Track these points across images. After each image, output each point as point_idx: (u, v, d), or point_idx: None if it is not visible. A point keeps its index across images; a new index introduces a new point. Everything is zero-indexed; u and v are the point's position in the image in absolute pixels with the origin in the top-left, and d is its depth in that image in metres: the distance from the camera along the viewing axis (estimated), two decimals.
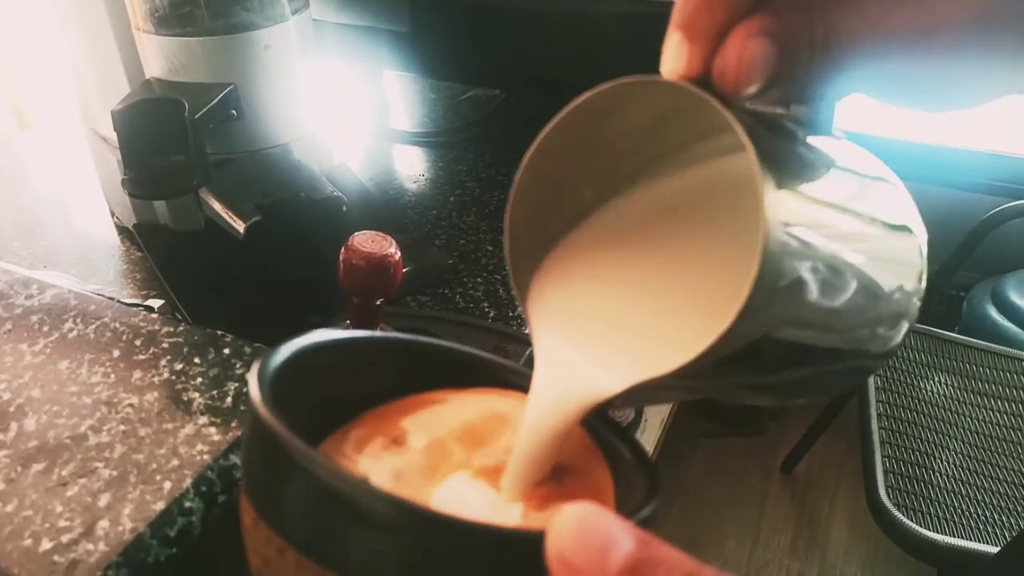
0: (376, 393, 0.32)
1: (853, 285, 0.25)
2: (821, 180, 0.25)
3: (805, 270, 0.23)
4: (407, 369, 0.33)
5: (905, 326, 0.29)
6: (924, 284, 0.29)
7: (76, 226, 0.84)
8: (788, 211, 0.22)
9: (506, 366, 0.34)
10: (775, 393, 0.29)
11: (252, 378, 0.25)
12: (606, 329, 0.28)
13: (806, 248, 0.23)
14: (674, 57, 0.24)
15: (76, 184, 0.91)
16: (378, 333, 0.33)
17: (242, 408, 0.46)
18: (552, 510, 0.27)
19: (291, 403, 0.26)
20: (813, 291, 0.23)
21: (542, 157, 0.28)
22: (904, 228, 0.29)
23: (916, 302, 0.29)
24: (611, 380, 0.26)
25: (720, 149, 0.30)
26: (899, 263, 0.28)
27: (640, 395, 0.26)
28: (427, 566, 0.21)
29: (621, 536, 0.18)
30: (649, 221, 0.30)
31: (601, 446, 0.31)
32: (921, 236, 0.29)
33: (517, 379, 0.34)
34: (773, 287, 0.22)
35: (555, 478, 0.29)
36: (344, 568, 0.22)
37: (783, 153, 0.24)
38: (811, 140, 0.26)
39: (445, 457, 0.30)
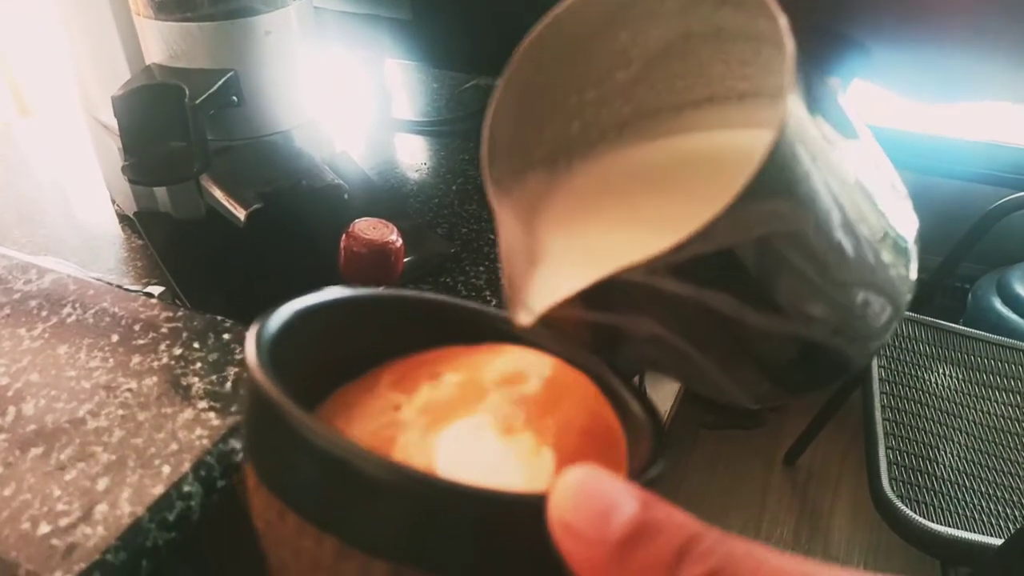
0: (382, 349, 0.32)
1: (853, 229, 0.24)
2: (834, 128, 0.24)
3: (814, 173, 0.22)
4: (413, 325, 0.32)
5: (893, 321, 0.28)
6: (914, 280, 0.29)
7: (77, 214, 0.84)
8: (803, 115, 0.21)
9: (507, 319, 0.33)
10: (751, 364, 0.28)
11: (249, 340, 0.25)
12: (589, 238, 0.28)
13: (818, 147, 0.22)
14: None
15: (77, 172, 0.91)
16: (376, 290, 0.32)
17: (242, 393, 0.46)
18: (567, 448, 0.27)
19: (293, 363, 0.26)
20: (817, 205, 0.22)
21: (541, 50, 0.27)
22: (903, 236, 0.28)
23: (907, 295, 0.28)
24: (588, 272, 0.25)
25: (717, 120, 0.29)
26: (894, 242, 0.27)
27: (617, 301, 0.25)
28: (426, 531, 0.21)
29: (624, 499, 0.18)
30: (636, 178, 0.30)
31: (613, 402, 0.31)
32: (913, 231, 0.29)
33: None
34: (787, 167, 0.21)
35: (574, 424, 0.29)
36: (344, 532, 0.22)
37: (808, 83, 0.23)
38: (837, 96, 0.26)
39: (477, 395, 0.29)
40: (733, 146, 0.29)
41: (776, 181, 0.21)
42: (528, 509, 0.20)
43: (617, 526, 0.18)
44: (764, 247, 0.23)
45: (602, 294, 0.25)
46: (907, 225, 0.28)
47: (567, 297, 0.26)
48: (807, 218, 0.23)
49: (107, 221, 0.82)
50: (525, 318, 0.28)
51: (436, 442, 0.27)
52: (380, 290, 0.33)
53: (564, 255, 0.29)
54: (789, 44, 0.21)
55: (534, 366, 0.31)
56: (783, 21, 0.21)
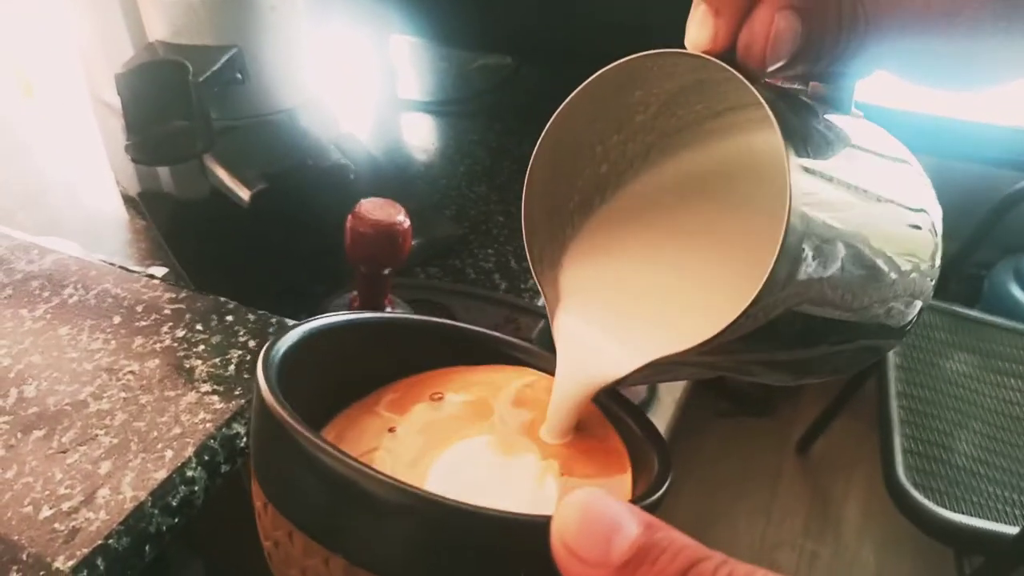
0: (385, 371, 0.33)
1: (870, 264, 0.25)
2: (840, 160, 0.25)
3: (826, 248, 0.23)
4: (419, 347, 0.33)
5: (919, 306, 0.30)
6: (938, 265, 0.30)
7: (81, 195, 0.83)
8: (810, 191, 0.22)
9: (510, 342, 0.34)
10: (789, 371, 0.29)
11: (259, 362, 0.26)
12: (625, 306, 0.29)
13: (827, 227, 0.23)
14: (698, 30, 0.25)
15: (81, 153, 0.90)
16: (386, 313, 0.33)
17: (245, 376, 0.45)
18: (574, 471, 0.28)
19: (301, 383, 0.27)
20: (832, 269, 0.24)
21: (561, 128, 0.28)
22: (920, 210, 0.29)
23: (930, 283, 0.30)
24: (630, 357, 0.27)
25: (736, 125, 0.30)
26: (915, 244, 0.28)
27: (658, 371, 0.27)
28: (431, 550, 0.22)
29: (626, 521, 0.18)
30: (666, 199, 0.31)
31: (616, 426, 0.31)
32: (936, 217, 0.29)
33: (522, 355, 0.34)
34: (795, 265, 0.22)
35: (580, 446, 0.29)
36: (351, 552, 0.22)
37: (805, 132, 0.24)
38: (830, 118, 0.27)
39: (479, 415, 0.30)
40: (752, 150, 0.30)
41: (786, 277, 0.22)
42: (534, 531, 0.20)
43: (619, 549, 0.18)
44: (784, 317, 0.24)
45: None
46: (932, 216, 0.29)
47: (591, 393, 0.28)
48: (822, 283, 0.24)
49: (111, 202, 0.81)
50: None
51: (432, 465, 0.27)
52: (388, 314, 0.34)
53: (582, 298, 0.30)
54: (786, 165, 0.22)
55: (540, 391, 0.32)
56: (772, 118, 0.22)
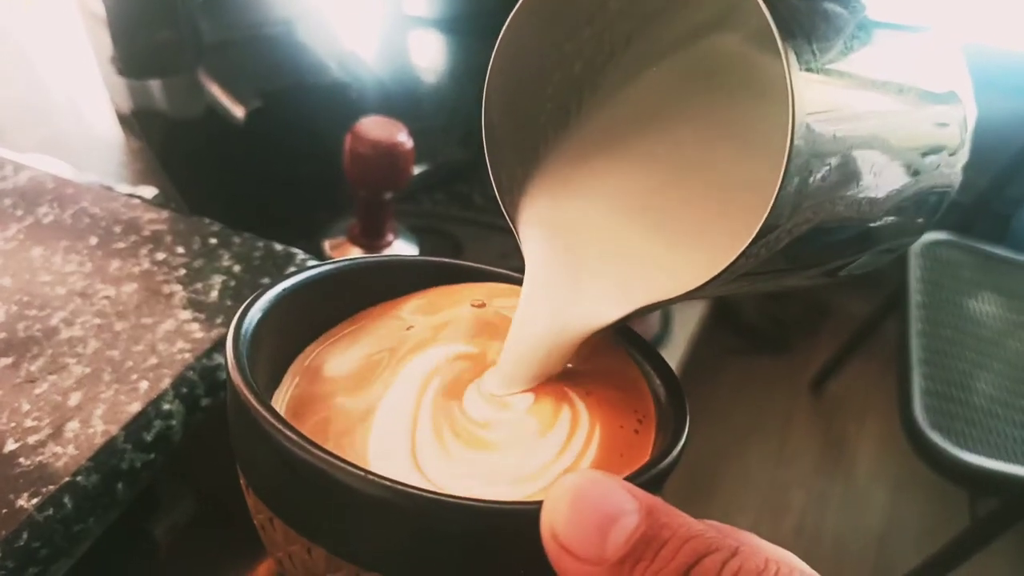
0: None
1: (890, 171, 0.22)
2: (853, 46, 0.21)
3: (837, 165, 0.20)
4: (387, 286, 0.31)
5: (947, 198, 0.26)
6: (967, 151, 0.26)
7: (75, 114, 0.80)
8: (816, 102, 0.19)
9: (498, 273, 0.32)
10: (787, 286, 0.26)
11: (229, 334, 0.24)
12: (610, 242, 0.26)
13: (838, 140, 0.20)
14: None
15: (76, 69, 0.86)
16: (337, 261, 0.30)
17: (228, 303, 0.42)
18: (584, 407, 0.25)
19: (274, 347, 0.26)
20: (845, 188, 0.21)
21: (520, 33, 0.24)
22: (947, 94, 0.25)
23: (958, 172, 0.26)
24: (616, 303, 0.24)
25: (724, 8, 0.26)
26: (941, 135, 0.25)
27: (649, 311, 0.24)
28: (415, 544, 0.20)
29: (625, 508, 0.16)
30: (651, 106, 0.27)
31: (633, 360, 0.28)
32: (966, 95, 0.26)
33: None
34: (801, 191, 0.19)
35: (596, 378, 0.27)
36: (331, 543, 0.21)
37: (809, 22, 0.20)
38: None
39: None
40: (750, 35, 0.26)
41: (790, 207, 0.19)
42: (521, 520, 0.18)
43: (615, 543, 0.16)
44: (788, 247, 0.21)
45: None
46: (961, 96, 0.25)
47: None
48: (833, 203, 0.21)
49: (105, 121, 0.77)
50: None
51: (406, 366, 0.25)
52: (337, 261, 0.31)
53: (558, 231, 0.27)
54: (789, 77, 0.18)
55: None
56: (770, 17, 0.19)
